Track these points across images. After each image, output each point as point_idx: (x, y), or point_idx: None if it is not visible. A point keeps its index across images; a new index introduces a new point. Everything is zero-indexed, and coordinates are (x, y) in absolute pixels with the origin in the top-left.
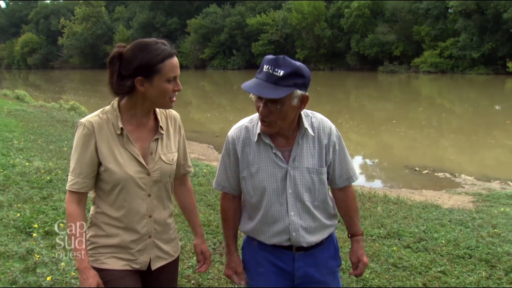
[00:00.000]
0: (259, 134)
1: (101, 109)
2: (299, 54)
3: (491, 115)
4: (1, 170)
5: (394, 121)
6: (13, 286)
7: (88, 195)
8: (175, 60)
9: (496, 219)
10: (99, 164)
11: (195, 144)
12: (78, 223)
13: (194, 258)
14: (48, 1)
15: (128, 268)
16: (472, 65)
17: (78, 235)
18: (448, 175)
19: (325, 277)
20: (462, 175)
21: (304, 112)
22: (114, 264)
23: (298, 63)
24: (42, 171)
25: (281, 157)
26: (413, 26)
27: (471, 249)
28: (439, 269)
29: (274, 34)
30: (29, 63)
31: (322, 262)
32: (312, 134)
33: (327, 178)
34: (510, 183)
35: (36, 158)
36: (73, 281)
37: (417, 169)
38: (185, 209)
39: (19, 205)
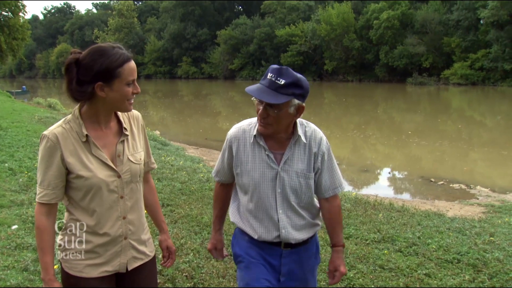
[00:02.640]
0: (254, 136)
1: (63, 119)
2: (327, 65)
3: None
4: (26, 172)
5: (414, 133)
6: (24, 272)
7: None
8: (132, 63)
9: (497, 228)
10: (68, 173)
11: (216, 152)
12: (46, 235)
13: (191, 254)
14: (83, 13)
15: (105, 274)
16: (504, 77)
17: (45, 247)
18: (463, 186)
19: (305, 274)
20: (478, 187)
21: (299, 120)
22: (90, 272)
23: (299, 75)
24: None
25: (273, 159)
26: (443, 37)
27: (461, 255)
28: (424, 272)
29: (303, 45)
30: (64, 73)
31: (304, 259)
32: (304, 141)
33: (314, 187)
34: None
35: None
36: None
37: (432, 180)
38: (149, 206)
39: None
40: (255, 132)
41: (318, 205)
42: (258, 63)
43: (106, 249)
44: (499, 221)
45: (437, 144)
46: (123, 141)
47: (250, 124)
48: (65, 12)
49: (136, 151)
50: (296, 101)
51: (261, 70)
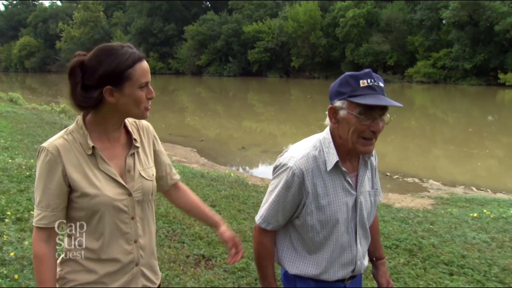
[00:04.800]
0: (336, 162)
1: (64, 129)
2: (294, 62)
3: (482, 126)
4: None
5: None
6: None
7: None
8: (145, 64)
9: (438, 217)
10: (71, 191)
11: (179, 147)
12: (46, 265)
13: None
14: (47, 5)
15: None
16: (464, 76)
17: (45, 280)
18: (416, 180)
19: None
20: (430, 181)
21: None
22: None
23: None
24: (23, 167)
25: (352, 183)
26: (407, 36)
27: (399, 241)
28: None
29: (270, 42)
30: (27, 67)
31: (359, 285)
32: (372, 156)
33: None
34: (473, 188)
35: (20, 156)
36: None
37: (388, 174)
38: (194, 207)
39: None
40: (335, 158)
41: None
42: (225, 59)
43: (114, 279)
44: (442, 211)
45: (398, 140)
46: (133, 154)
47: (315, 147)
48: (28, 4)
49: (148, 166)
50: None
51: (228, 66)
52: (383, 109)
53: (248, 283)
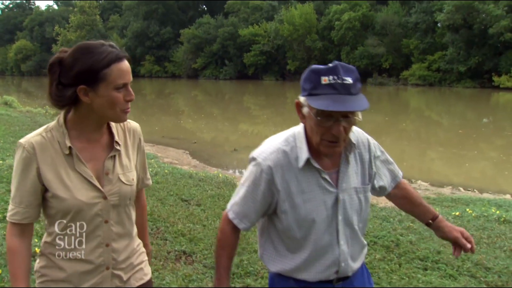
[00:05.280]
0: (308, 159)
1: (44, 126)
2: (290, 65)
3: (474, 127)
4: None
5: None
6: None
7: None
8: (124, 64)
9: None
10: (45, 190)
11: (172, 149)
12: (19, 259)
13: None
14: (43, 9)
15: None
16: (459, 78)
17: (18, 273)
18: (406, 181)
19: None
20: (419, 181)
21: None
22: None
23: (352, 66)
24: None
25: (330, 181)
26: (402, 39)
27: (378, 238)
28: None
29: (266, 45)
30: (23, 70)
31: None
32: (356, 150)
33: (375, 190)
34: (461, 188)
35: (11, 157)
36: None
37: None
38: (140, 224)
39: None
40: (306, 154)
41: None
42: (221, 62)
43: (83, 279)
44: None
45: (388, 142)
46: (113, 157)
47: (287, 143)
48: (24, 7)
49: (128, 170)
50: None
51: (224, 70)
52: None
53: None
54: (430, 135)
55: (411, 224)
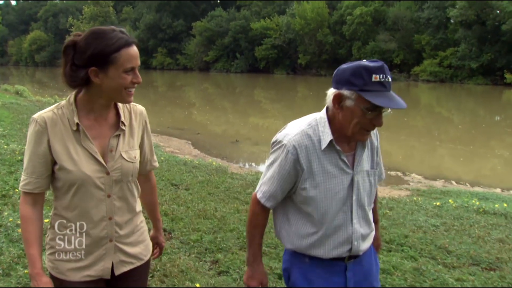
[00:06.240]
0: (331, 141)
1: (56, 104)
2: (301, 59)
3: (489, 126)
4: None
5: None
6: None
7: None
8: (133, 49)
9: (400, 204)
10: (54, 162)
11: (175, 139)
12: (31, 226)
13: None
14: (57, 0)
15: (87, 279)
16: (470, 75)
17: (31, 239)
18: (399, 173)
19: (372, 284)
20: (413, 174)
21: None
22: (73, 275)
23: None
24: (17, 152)
25: (348, 162)
26: (414, 35)
27: None
28: None
29: (277, 38)
30: (37, 60)
31: (367, 268)
32: (370, 136)
33: None
34: (453, 182)
35: (15, 143)
36: (9, 224)
37: None
38: (148, 205)
39: None
40: (329, 136)
41: None
42: (233, 55)
43: (88, 250)
44: (408, 200)
45: (386, 135)
46: (118, 136)
47: (310, 125)
48: None
49: (131, 148)
50: None
51: (235, 63)
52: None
53: (199, 252)
54: (437, 130)
55: (387, 211)
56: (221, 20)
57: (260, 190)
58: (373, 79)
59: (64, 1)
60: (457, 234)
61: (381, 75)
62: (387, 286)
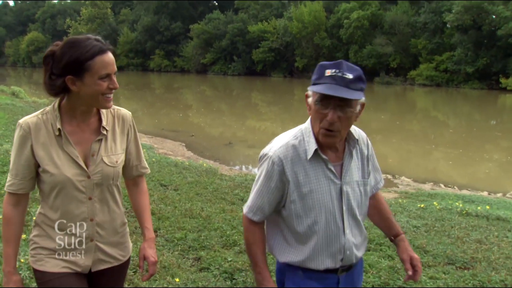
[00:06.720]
0: (315, 150)
1: (42, 109)
2: (298, 62)
3: (483, 130)
4: None
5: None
6: None
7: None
8: (107, 56)
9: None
10: (38, 165)
11: (169, 141)
12: (11, 226)
13: None
14: (55, 1)
15: (68, 270)
16: (466, 79)
17: (9, 238)
18: (389, 176)
19: None
20: (402, 177)
21: None
22: (53, 267)
23: (358, 67)
24: (10, 153)
25: (335, 172)
26: (411, 39)
27: None
28: None
29: (274, 41)
30: (34, 62)
31: (356, 280)
32: (358, 146)
33: None
34: (441, 185)
35: (9, 143)
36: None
37: None
38: (136, 211)
39: None
40: (314, 146)
41: None
42: (230, 58)
43: (69, 249)
44: (393, 202)
45: (379, 138)
46: (100, 140)
47: (296, 137)
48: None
49: (113, 153)
50: (363, 98)
51: (232, 66)
52: (342, 100)
53: (182, 250)
54: (431, 134)
55: None
56: (218, 23)
57: (246, 205)
58: (325, 74)
59: (62, 2)
60: (437, 234)
61: (334, 70)
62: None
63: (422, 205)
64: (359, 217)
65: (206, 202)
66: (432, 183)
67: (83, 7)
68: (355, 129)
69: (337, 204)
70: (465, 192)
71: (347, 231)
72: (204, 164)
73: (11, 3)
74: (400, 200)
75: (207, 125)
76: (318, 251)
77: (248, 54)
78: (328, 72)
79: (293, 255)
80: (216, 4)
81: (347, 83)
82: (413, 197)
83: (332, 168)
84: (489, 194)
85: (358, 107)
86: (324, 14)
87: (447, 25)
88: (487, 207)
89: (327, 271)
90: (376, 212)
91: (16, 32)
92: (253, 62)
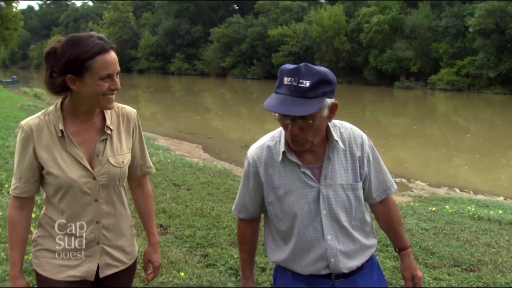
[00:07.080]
0: (283, 152)
1: (44, 110)
2: None
3: (505, 136)
4: None
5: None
6: None
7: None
8: (109, 56)
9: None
10: (42, 167)
11: (186, 143)
12: (17, 230)
13: None
14: (78, 5)
15: (71, 279)
16: (488, 84)
17: (15, 242)
18: (404, 180)
19: None
20: (417, 181)
21: (331, 122)
22: (57, 274)
23: (322, 69)
24: None
25: (311, 175)
26: (432, 43)
27: None
28: None
29: (294, 45)
30: None
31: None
32: (343, 147)
33: (364, 194)
34: (457, 189)
35: None
36: None
37: None
38: (140, 214)
39: None
40: (283, 148)
41: (370, 220)
42: (250, 62)
43: (74, 252)
44: (404, 205)
45: (394, 143)
46: (104, 140)
47: (273, 138)
48: (61, 4)
49: (119, 153)
50: (329, 100)
51: (252, 69)
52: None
53: (190, 246)
54: (451, 139)
55: None
56: (238, 27)
57: (234, 204)
58: (284, 81)
59: (85, 6)
60: (445, 237)
61: (290, 78)
62: None
63: (433, 209)
64: (346, 224)
65: (217, 202)
66: (447, 188)
67: (106, 11)
68: (346, 128)
69: (314, 208)
70: (480, 197)
71: (328, 236)
72: (218, 166)
73: (36, 7)
74: (412, 204)
75: (225, 128)
76: (299, 254)
77: (268, 58)
78: (286, 81)
79: (278, 254)
80: (237, 8)
81: (303, 93)
82: (426, 201)
83: (307, 171)
84: (505, 199)
85: (325, 111)
86: (344, 18)
87: (469, 29)
88: (500, 211)
89: (318, 276)
90: (385, 220)
91: (40, 36)
92: (272, 66)
